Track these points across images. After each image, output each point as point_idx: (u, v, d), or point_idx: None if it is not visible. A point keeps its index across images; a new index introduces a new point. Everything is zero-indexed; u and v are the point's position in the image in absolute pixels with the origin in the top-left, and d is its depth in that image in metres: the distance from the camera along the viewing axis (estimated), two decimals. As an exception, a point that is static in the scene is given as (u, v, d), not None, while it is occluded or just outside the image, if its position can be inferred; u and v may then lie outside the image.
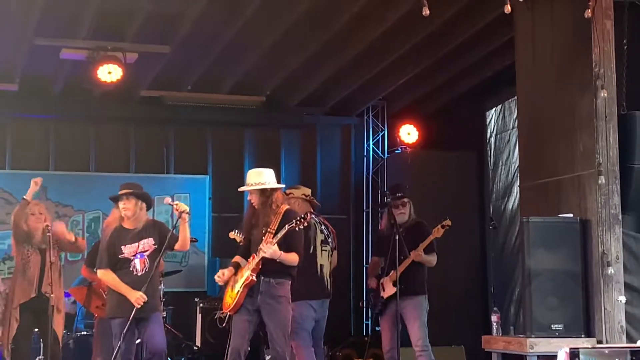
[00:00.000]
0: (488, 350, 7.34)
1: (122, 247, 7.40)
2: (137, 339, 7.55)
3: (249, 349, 7.26)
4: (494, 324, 7.47)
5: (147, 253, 7.37)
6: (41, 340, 8.50)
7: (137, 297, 7.20)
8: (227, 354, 7.26)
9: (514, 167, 10.78)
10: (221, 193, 12.34)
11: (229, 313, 7.26)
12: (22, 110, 11.58)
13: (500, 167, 11.38)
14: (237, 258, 7.44)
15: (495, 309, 7.78)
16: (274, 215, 7.24)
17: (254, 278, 7.08)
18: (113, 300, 7.38)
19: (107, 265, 7.45)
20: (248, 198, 7.40)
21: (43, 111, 11.75)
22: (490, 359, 7.42)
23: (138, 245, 7.34)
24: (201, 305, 10.30)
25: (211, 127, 12.53)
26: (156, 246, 7.40)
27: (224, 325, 9.48)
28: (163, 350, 7.39)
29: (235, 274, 7.28)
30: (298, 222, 7.15)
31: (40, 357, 8.66)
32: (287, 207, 7.42)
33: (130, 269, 7.31)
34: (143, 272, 7.31)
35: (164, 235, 7.39)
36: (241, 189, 7.45)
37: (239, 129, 12.66)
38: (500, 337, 7.32)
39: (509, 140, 11.18)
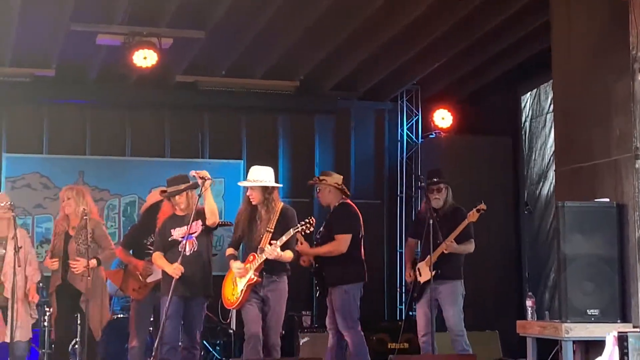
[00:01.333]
0: (523, 335, 7.32)
1: (172, 230, 7.60)
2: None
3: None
4: (529, 308, 7.44)
5: (195, 234, 7.50)
6: (79, 324, 8.59)
7: (173, 269, 7.34)
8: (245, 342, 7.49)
9: (549, 151, 10.73)
10: (257, 178, 12.34)
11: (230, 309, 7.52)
12: (59, 96, 11.68)
13: (535, 152, 11.32)
14: (230, 251, 7.63)
15: (530, 293, 7.76)
16: (272, 213, 7.41)
17: (258, 278, 7.31)
18: (165, 280, 7.53)
19: (158, 249, 7.67)
20: (247, 193, 7.53)
21: (79, 96, 11.83)
22: (524, 344, 7.40)
23: (187, 228, 7.43)
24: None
25: (245, 112, 12.55)
26: (204, 227, 7.54)
27: (227, 321, 9.72)
28: (196, 333, 7.58)
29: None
30: (304, 227, 7.36)
31: (77, 339, 8.77)
32: (282, 204, 7.58)
33: (180, 249, 7.41)
34: (191, 252, 7.45)
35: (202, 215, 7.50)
36: (245, 183, 7.56)
37: (273, 114, 12.69)
38: (535, 322, 7.29)
39: (544, 124, 11.13)
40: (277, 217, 7.41)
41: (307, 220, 7.34)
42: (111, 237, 9.31)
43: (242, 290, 7.36)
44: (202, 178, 7.35)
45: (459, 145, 12.06)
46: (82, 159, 11.85)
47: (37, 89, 11.39)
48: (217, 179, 12.02)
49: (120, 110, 12.11)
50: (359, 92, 12.67)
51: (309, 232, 7.43)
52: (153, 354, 7.41)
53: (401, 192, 12.96)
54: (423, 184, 8.74)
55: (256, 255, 7.32)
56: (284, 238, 7.25)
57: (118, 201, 11.85)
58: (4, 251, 7.75)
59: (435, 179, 8.64)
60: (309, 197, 11.40)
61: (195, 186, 7.57)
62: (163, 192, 7.78)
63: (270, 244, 7.24)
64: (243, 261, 7.49)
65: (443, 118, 12.43)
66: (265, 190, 7.43)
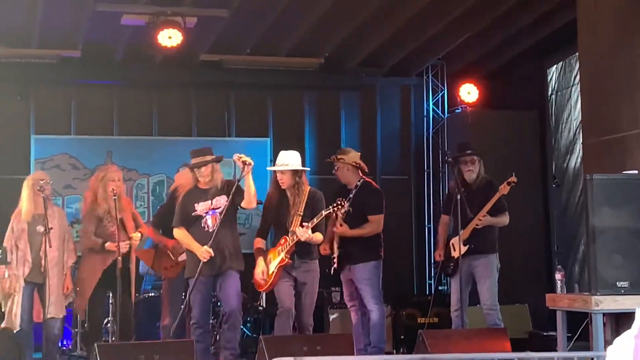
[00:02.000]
0: (552, 308, 7.31)
1: (195, 204, 7.53)
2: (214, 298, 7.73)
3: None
4: (558, 282, 7.43)
5: (219, 210, 7.43)
6: (111, 302, 8.66)
7: (202, 252, 7.34)
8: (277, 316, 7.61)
9: (576, 124, 10.68)
10: (282, 155, 12.40)
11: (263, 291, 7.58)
12: (86, 76, 11.76)
13: (561, 125, 11.28)
14: (258, 242, 7.74)
15: (559, 266, 7.75)
16: (301, 197, 7.53)
17: (289, 259, 7.43)
18: (190, 260, 7.54)
19: (181, 224, 7.61)
20: (277, 178, 7.60)
21: (106, 77, 11.91)
22: (554, 317, 7.39)
23: (210, 202, 7.43)
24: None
25: (271, 90, 12.57)
26: (229, 203, 7.47)
27: (257, 302, 9.77)
28: (237, 309, 7.49)
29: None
30: (336, 209, 7.44)
31: (110, 318, 8.86)
32: (310, 188, 7.68)
33: (202, 225, 7.43)
34: (215, 227, 7.38)
35: (233, 192, 7.45)
36: (275, 168, 7.63)
37: (298, 91, 12.70)
38: (564, 295, 7.27)
39: (570, 97, 11.07)
40: (305, 200, 7.52)
41: (338, 202, 7.42)
42: (140, 216, 9.37)
43: (273, 272, 7.48)
44: (244, 163, 7.30)
45: (485, 120, 12.02)
46: (110, 139, 11.93)
47: (64, 70, 11.48)
48: (245, 157, 12.09)
49: (147, 90, 12.17)
50: (384, 68, 12.64)
51: (340, 213, 7.57)
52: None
53: (428, 167, 12.96)
54: (450, 159, 8.73)
55: (287, 238, 7.43)
56: (315, 220, 7.38)
57: (147, 181, 11.92)
58: (42, 228, 7.79)
59: (467, 151, 8.64)
60: (336, 174, 11.44)
61: (220, 160, 7.62)
62: (187, 165, 7.75)
63: (302, 226, 7.32)
64: (273, 246, 7.60)
65: (469, 92, 12.40)
66: (295, 174, 7.54)
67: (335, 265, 8.15)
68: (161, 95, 12.22)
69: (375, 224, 8.27)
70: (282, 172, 7.55)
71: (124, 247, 8.02)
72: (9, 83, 11.52)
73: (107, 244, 8.07)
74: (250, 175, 7.36)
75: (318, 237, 7.52)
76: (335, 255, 8.13)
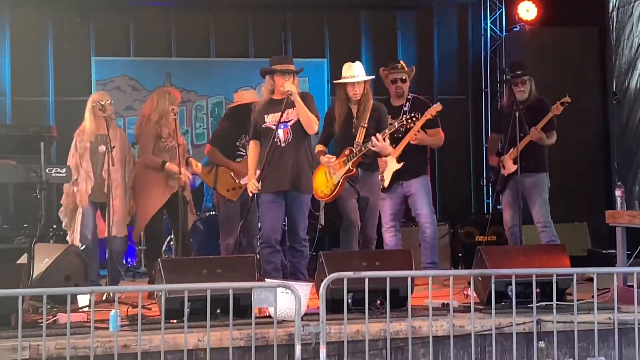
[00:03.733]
0: (612, 225, 7.30)
1: (265, 115, 7.27)
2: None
3: None
4: (618, 198, 7.40)
5: (290, 123, 7.17)
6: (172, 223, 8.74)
7: (251, 183, 7.30)
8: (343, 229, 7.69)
9: (638, 41, 10.49)
10: (339, 76, 12.37)
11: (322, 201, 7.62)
12: (144, -2, 11.86)
13: (623, 42, 11.08)
14: (320, 147, 7.71)
15: (619, 183, 7.71)
16: (367, 109, 7.49)
17: (356, 170, 7.45)
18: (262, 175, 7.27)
19: (252, 136, 7.46)
20: (350, 91, 7.49)
21: (163, -2, 11.99)
22: (613, 234, 7.39)
23: (281, 115, 7.11)
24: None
25: (327, 9, 12.52)
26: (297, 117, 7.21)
27: (317, 214, 9.79)
28: (302, 235, 7.33)
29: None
30: (410, 121, 7.49)
31: (171, 235, 8.99)
32: (373, 101, 7.60)
33: (275, 139, 7.15)
34: (286, 142, 7.17)
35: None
36: (356, 79, 7.47)
37: (355, 11, 12.63)
38: (624, 212, 7.25)
39: (631, 13, 10.85)
40: (369, 113, 7.48)
41: (412, 115, 7.52)
42: (200, 137, 9.49)
43: (338, 182, 7.49)
44: (287, 92, 7.09)
45: (544, 38, 11.87)
46: (168, 61, 12.01)
47: (123, -9, 11.57)
48: (301, 78, 12.07)
49: (204, 12, 12.17)
50: (441, -13, 12.52)
51: (413, 125, 7.59)
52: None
53: (486, 86, 12.87)
54: (508, 76, 8.68)
55: (353, 149, 7.43)
56: (387, 131, 7.40)
57: (205, 102, 12.01)
58: (104, 148, 7.86)
59: (518, 72, 8.58)
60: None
61: (300, 71, 7.41)
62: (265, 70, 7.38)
63: (375, 136, 7.30)
64: (336, 157, 7.57)
65: (527, 10, 12.23)
66: (365, 84, 7.50)
67: (383, 183, 8.17)
68: (218, 16, 12.21)
69: (439, 136, 8.35)
70: (358, 82, 7.46)
71: (184, 175, 8.00)
72: (69, 6, 11.65)
73: (167, 165, 7.99)
74: (298, 102, 7.11)
75: (389, 148, 7.51)
76: (383, 173, 8.16)
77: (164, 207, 8.22)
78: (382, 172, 8.10)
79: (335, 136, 7.69)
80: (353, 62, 7.70)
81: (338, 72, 12.15)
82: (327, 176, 7.60)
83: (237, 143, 8.41)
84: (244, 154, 8.22)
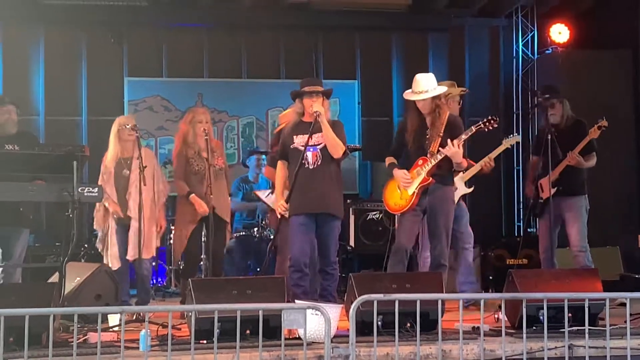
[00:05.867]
0: (645, 249, 7.26)
1: (295, 136, 7.28)
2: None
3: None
4: (651, 223, 7.36)
5: (320, 146, 7.18)
6: (203, 241, 8.75)
7: (279, 204, 7.29)
8: (389, 252, 7.46)
9: (671, 63, 10.45)
10: (370, 97, 12.44)
11: (397, 214, 7.40)
12: (177, 19, 11.94)
13: (656, 64, 11.05)
14: (391, 159, 7.54)
15: (652, 208, 7.66)
16: (441, 119, 7.28)
17: (432, 179, 7.25)
18: (292, 197, 7.27)
19: (280, 157, 7.49)
20: (418, 104, 7.30)
21: (196, 20, 12.06)
22: (646, 258, 7.34)
23: (310, 137, 7.14)
24: (353, 207, 10.44)
25: (359, 31, 12.57)
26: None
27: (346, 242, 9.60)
28: (333, 259, 7.31)
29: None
30: (487, 124, 7.28)
31: (203, 256, 9.01)
32: (449, 112, 7.42)
33: (302, 161, 7.16)
34: (315, 165, 7.18)
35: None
36: (422, 97, 7.24)
37: (386, 33, 12.66)
38: (657, 236, 7.20)
39: (664, 34, 10.82)
40: (445, 123, 7.27)
41: (490, 117, 7.32)
42: (230, 157, 9.49)
43: (413, 192, 7.29)
44: (314, 114, 7.09)
45: (576, 60, 11.84)
46: (200, 82, 12.09)
47: (156, 13, 11.70)
48: (332, 100, 12.10)
49: (236, 33, 12.27)
50: (473, 9, 12.53)
51: (491, 128, 7.33)
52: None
53: (517, 109, 12.83)
54: (540, 99, 8.65)
55: (427, 159, 7.25)
56: (463, 136, 7.20)
57: (236, 122, 12.06)
58: (128, 172, 7.92)
59: (546, 95, 8.54)
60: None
61: (329, 93, 7.37)
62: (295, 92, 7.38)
63: (452, 142, 7.11)
64: (408, 169, 7.38)
65: (560, 33, 12.21)
66: (436, 97, 7.29)
67: None
68: (250, 37, 12.29)
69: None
70: (423, 99, 7.30)
71: (206, 207, 7.94)
72: (103, 27, 11.79)
73: (192, 196, 8.03)
74: (325, 125, 7.11)
75: (461, 156, 7.23)
76: None
77: (200, 227, 8.24)
78: None
79: (407, 147, 7.43)
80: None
81: (369, 93, 12.35)
82: (400, 189, 7.38)
83: None
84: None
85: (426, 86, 7.29)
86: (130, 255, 7.91)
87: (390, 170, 7.49)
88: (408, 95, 7.41)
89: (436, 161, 7.22)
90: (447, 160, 7.24)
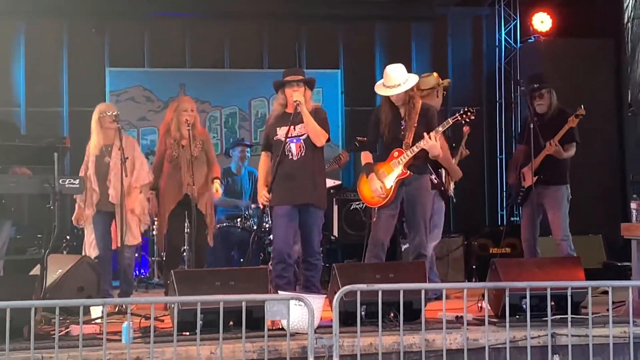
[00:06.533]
0: (627, 237, 7.24)
1: (278, 128, 7.28)
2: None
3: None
4: (634, 211, 7.34)
5: (303, 137, 7.20)
6: (186, 232, 8.71)
7: (261, 194, 7.33)
8: (366, 245, 7.44)
9: (654, 52, 10.45)
10: (353, 87, 12.41)
11: (376, 207, 7.32)
12: (158, 9, 11.84)
13: (638, 53, 11.04)
14: (367, 156, 7.51)
15: (634, 196, 7.64)
16: (415, 110, 7.24)
17: (410, 172, 7.22)
18: (274, 188, 7.27)
19: (263, 148, 7.52)
20: (390, 97, 7.28)
21: (178, 10, 11.95)
22: (629, 247, 7.34)
23: (293, 128, 7.16)
24: (336, 197, 10.43)
25: (342, 21, 12.52)
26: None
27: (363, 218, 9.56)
28: (316, 249, 7.34)
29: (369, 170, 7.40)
30: (465, 116, 7.22)
31: (185, 247, 8.96)
32: (422, 102, 7.37)
33: (286, 153, 7.18)
34: (299, 156, 7.20)
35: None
36: (395, 91, 7.21)
37: (369, 22, 12.63)
38: (640, 224, 7.22)
39: (647, 24, 10.82)
40: (419, 113, 7.23)
41: (467, 109, 7.26)
42: (214, 148, 9.37)
43: (391, 186, 7.24)
44: (294, 103, 7.13)
45: (559, 49, 11.83)
46: (182, 72, 12.03)
47: (137, 3, 11.60)
48: (316, 89, 12.06)
49: (219, 23, 12.18)
50: (456, -2, 12.51)
51: (468, 120, 7.28)
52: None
53: (500, 97, 12.84)
54: (523, 88, 8.65)
55: (402, 151, 7.21)
56: (440, 129, 7.17)
57: (219, 113, 12.02)
58: (109, 159, 7.86)
59: (536, 85, 8.54)
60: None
61: (311, 81, 7.35)
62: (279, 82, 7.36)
63: (428, 134, 7.08)
64: (384, 160, 7.35)
65: (542, 21, 12.21)
66: (408, 89, 7.24)
67: None
68: (233, 27, 12.22)
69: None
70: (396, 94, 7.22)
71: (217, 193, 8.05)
72: (84, 17, 11.71)
73: (151, 192, 8.09)
74: (305, 113, 7.12)
75: (438, 148, 7.21)
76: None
77: (183, 218, 8.20)
78: None
79: (382, 138, 7.40)
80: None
81: (352, 82, 12.32)
82: (376, 181, 7.31)
83: None
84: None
85: (398, 79, 7.25)
86: (126, 241, 7.80)
87: (367, 172, 7.44)
88: (380, 90, 7.37)
89: (412, 154, 7.19)
90: (423, 150, 7.21)
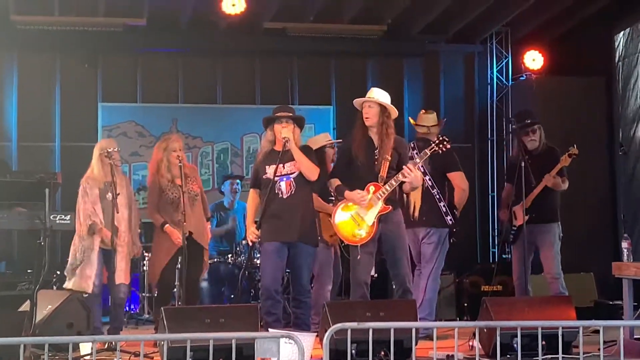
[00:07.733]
0: (618, 276, 7.25)
1: (267, 167, 7.27)
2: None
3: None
4: (625, 250, 7.36)
5: (293, 176, 7.20)
6: (177, 267, 8.66)
7: (249, 231, 7.32)
8: (348, 283, 7.46)
9: (644, 91, 10.52)
10: (345, 123, 12.35)
11: (359, 245, 7.22)
12: (151, 44, 11.87)
13: (628, 92, 11.12)
14: (336, 181, 7.36)
15: (625, 235, 7.66)
16: (388, 141, 7.17)
17: (391, 207, 7.17)
18: (264, 225, 7.27)
19: (252, 185, 7.51)
20: (364, 114, 7.26)
21: (171, 45, 12.00)
22: (620, 285, 7.34)
23: (282, 166, 7.18)
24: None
25: (334, 57, 12.57)
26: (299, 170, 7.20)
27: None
28: (306, 287, 7.31)
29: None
30: (441, 145, 7.20)
31: (176, 283, 8.92)
32: (395, 135, 7.32)
33: (276, 191, 7.17)
34: (289, 194, 7.18)
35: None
36: (370, 97, 7.25)
37: (361, 58, 12.68)
38: (631, 264, 7.20)
39: (637, 63, 10.91)
40: (392, 145, 7.19)
41: (442, 137, 7.25)
42: (205, 183, 9.39)
43: (373, 222, 7.16)
44: (283, 139, 7.12)
45: (550, 87, 11.89)
46: (175, 107, 12.04)
47: (130, 38, 11.63)
48: (308, 125, 12.08)
49: (211, 58, 12.24)
50: (447, 35, 12.56)
51: (445, 149, 7.25)
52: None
53: (492, 135, 12.87)
54: (514, 126, 8.68)
55: (379, 185, 7.14)
56: (418, 160, 7.17)
57: (211, 148, 12.02)
58: (111, 195, 7.78)
59: (527, 120, 8.57)
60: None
61: (300, 119, 7.37)
62: (268, 119, 7.35)
63: (407, 166, 7.04)
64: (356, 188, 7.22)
65: (534, 59, 12.28)
66: (384, 112, 7.21)
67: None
68: (225, 63, 12.27)
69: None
70: (369, 105, 7.22)
71: (181, 235, 7.86)
72: (77, 52, 11.73)
73: (167, 227, 7.94)
74: (296, 150, 7.13)
75: (420, 179, 7.21)
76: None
77: (176, 255, 8.13)
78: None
79: (356, 162, 7.26)
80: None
81: (344, 118, 12.34)
82: (357, 218, 7.23)
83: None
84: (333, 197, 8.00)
85: (375, 95, 7.30)
86: (123, 279, 7.78)
87: (340, 194, 7.33)
88: (358, 99, 7.37)
89: (391, 188, 7.13)
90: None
